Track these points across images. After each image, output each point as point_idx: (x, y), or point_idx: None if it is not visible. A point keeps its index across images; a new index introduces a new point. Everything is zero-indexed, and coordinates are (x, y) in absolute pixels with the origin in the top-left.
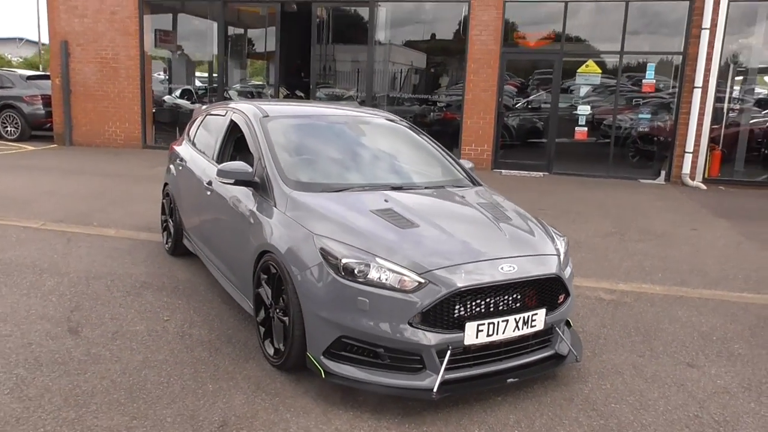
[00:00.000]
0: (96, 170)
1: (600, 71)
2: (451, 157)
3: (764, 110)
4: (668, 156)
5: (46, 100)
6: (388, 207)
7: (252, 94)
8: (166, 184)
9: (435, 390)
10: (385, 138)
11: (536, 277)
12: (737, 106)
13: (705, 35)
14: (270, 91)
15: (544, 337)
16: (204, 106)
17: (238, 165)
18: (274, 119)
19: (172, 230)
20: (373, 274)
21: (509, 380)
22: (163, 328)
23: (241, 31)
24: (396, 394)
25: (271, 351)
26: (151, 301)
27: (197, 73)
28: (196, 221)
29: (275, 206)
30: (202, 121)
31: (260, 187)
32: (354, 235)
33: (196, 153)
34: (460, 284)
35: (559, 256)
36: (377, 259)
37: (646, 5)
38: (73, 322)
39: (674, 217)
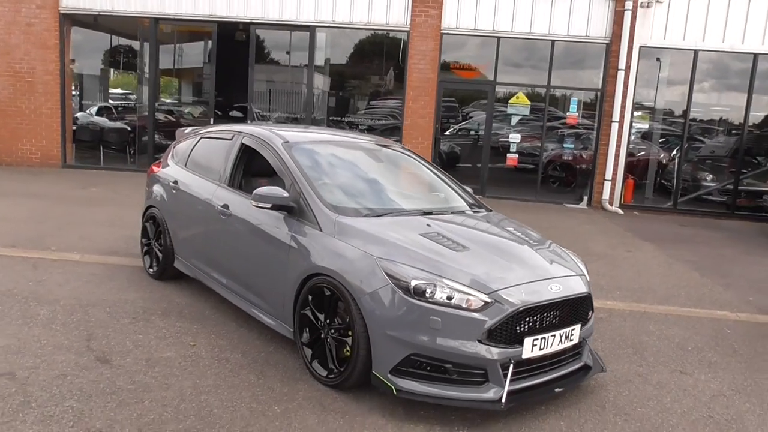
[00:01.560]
0: (20, 191)
1: (529, 103)
2: (457, 183)
3: (648, 142)
4: (589, 183)
5: None
6: (434, 231)
7: (172, 113)
8: (149, 207)
9: (503, 400)
10: (399, 165)
11: (576, 296)
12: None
13: (621, 75)
14: (190, 110)
15: (576, 350)
16: (187, 129)
17: (274, 190)
18: (295, 145)
19: (159, 255)
20: (441, 295)
21: (556, 389)
22: (194, 353)
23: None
24: (464, 406)
25: (323, 372)
26: (165, 327)
27: (113, 90)
28: (200, 245)
29: (320, 230)
30: (195, 145)
31: (296, 212)
32: (415, 258)
33: (196, 177)
34: (522, 303)
35: (586, 276)
36: (444, 280)
37: (569, 45)
38: (96, 351)
39: (607, 240)
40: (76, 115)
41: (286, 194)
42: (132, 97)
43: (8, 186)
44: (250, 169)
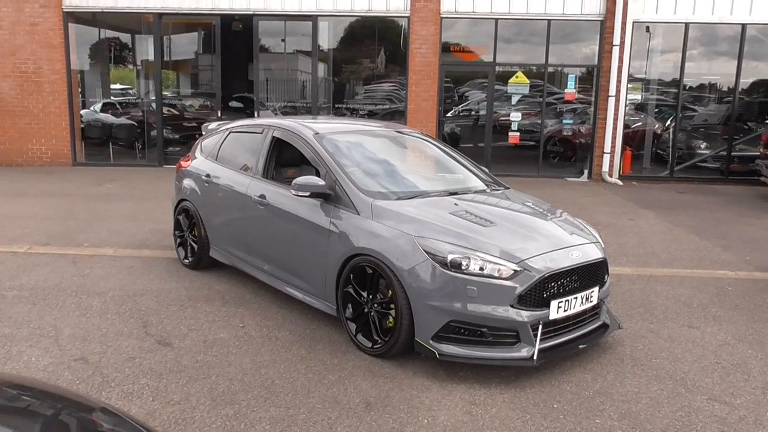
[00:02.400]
0: (38, 191)
1: (528, 82)
2: (474, 164)
3: (642, 114)
4: (589, 156)
5: None
6: (461, 209)
7: (174, 106)
8: (181, 201)
9: (535, 357)
10: (421, 149)
11: (594, 261)
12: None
13: (615, 51)
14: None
15: (595, 310)
16: (212, 125)
17: (312, 179)
18: (325, 136)
19: (194, 245)
20: (475, 266)
21: (580, 346)
22: (245, 333)
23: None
24: (499, 364)
25: (368, 343)
26: (212, 312)
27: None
28: (237, 234)
29: (358, 214)
30: (224, 139)
31: (333, 198)
32: (449, 234)
33: (228, 169)
34: (547, 270)
35: (600, 242)
36: (477, 253)
37: (565, 23)
38: (155, 335)
39: (610, 210)
40: (80, 113)
41: (322, 182)
42: (131, 91)
43: (25, 186)
44: (281, 160)
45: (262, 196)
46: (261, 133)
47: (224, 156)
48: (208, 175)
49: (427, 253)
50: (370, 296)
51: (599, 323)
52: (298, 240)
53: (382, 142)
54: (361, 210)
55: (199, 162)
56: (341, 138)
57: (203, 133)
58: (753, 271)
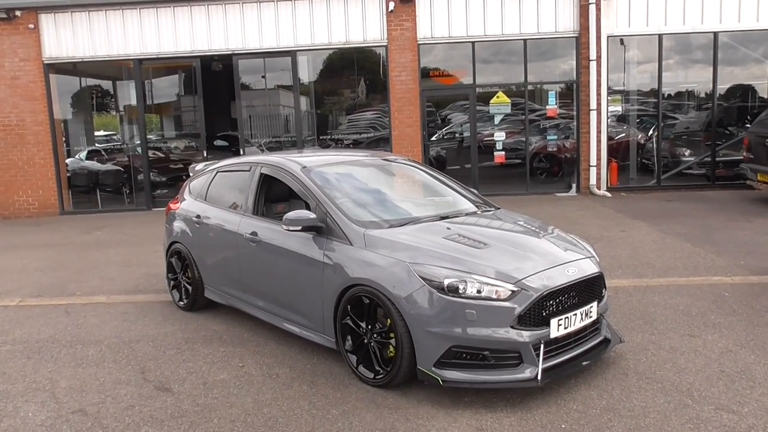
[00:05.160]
0: (27, 243)
1: (509, 101)
2: (463, 186)
3: (624, 125)
4: (575, 170)
5: None
6: (454, 233)
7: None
8: (172, 243)
9: (539, 378)
10: (408, 175)
11: (590, 276)
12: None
13: (593, 65)
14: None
15: (595, 326)
16: (199, 165)
17: (303, 213)
18: (312, 169)
19: (188, 287)
20: (472, 289)
21: (584, 363)
22: (245, 373)
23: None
24: (503, 387)
25: (370, 374)
26: (211, 353)
27: (97, 133)
28: (231, 272)
29: (351, 245)
30: (212, 179)
31: (324, 231)
32: (444, 259)
33: (218, 209)
34: (544, 288)
35: (595, 257)
36: (473, 276)
37: (541, 42)
38: (153, 381)
39: (601, 223)
40: (66, 161)
41: (313, 215)
42: (116, 137)
43: (14, 238)
44: (270, 196)
45: (254, 234)
46: (249, 170)
47: (213, 196)
48: (198, 216)
49: (423, 279)
50: (369, 326)
51: (601, 338)
52: (293, 275)
53: (369, 171)
54: (354, 240)
55: (188, 203)
56: (329, 170)
57: (191, 174)
58: (748, 275)
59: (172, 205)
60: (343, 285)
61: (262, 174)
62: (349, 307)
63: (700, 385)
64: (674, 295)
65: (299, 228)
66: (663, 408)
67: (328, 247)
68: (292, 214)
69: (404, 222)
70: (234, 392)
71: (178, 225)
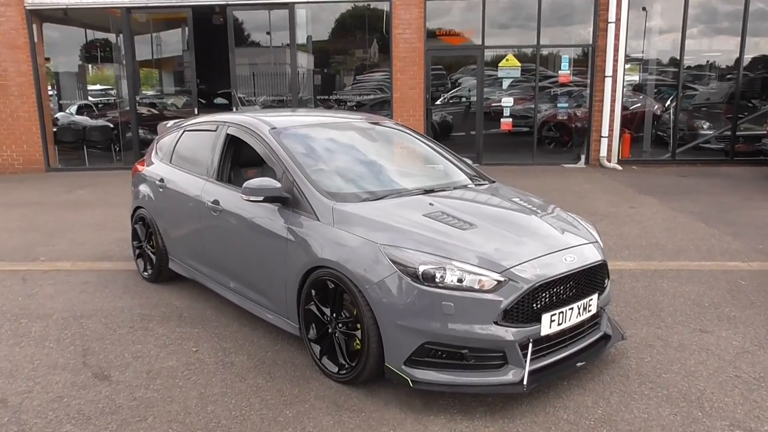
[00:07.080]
0: (5, 201)
1: (519, 64)
2: (456, 156)
3: (641, 95)
4: (586, 141)
5: None
6: (437, 210)
7: (155, 105)
8: (137, 208)
9: (525, 381)
10: (394, 142)
11: (592, 264)
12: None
13: (611, 28)
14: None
15: (594, 321)
16: (169, 123)
17: (265, 181)
18: (284, 131)
19: (153, 257)
20: (451, 278)
21: (578, 364)
22: (197, 359)
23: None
24: (484, 392)
25: (334, 368)
26: (165, 334)
27: (92, 87)
28: (194, 244)
29: (318, 220)
30: (178, 139)
31: (291, 203)
32: (420, 241)
33: (183, 173)
34: (537, 278)
35: (599, 242)
36: (453, 262)
37: (556, 1)
38: (93, 366)
39: (609, 198)
40: (56, 116)
41: (278, 185)
42: (112, 92)
43: None
44: (238, 160)
45: (216, 202)
46: (215, 130)
47: (178, 157)
48: (162, 180)
49: (395, 263)
50: (334, 314)
51: (600, 335)
52: (255, 250)
53: (350, 136)
54: (321, 215)
55: (154, 165)
56: (302, 132)
57: (158, 132)
58: (767, 261)
59: (138, 166)
60: (307, 266)
61: (228, 135)
62: (313, 291)
63: (711, 393)
64: (685, 281)
65: (261, 198)
66: (668, 422)
67: (293, 221)
68: (254, 182)
69: (381, 196)
70: (179, 383)
71: (143, 188)
